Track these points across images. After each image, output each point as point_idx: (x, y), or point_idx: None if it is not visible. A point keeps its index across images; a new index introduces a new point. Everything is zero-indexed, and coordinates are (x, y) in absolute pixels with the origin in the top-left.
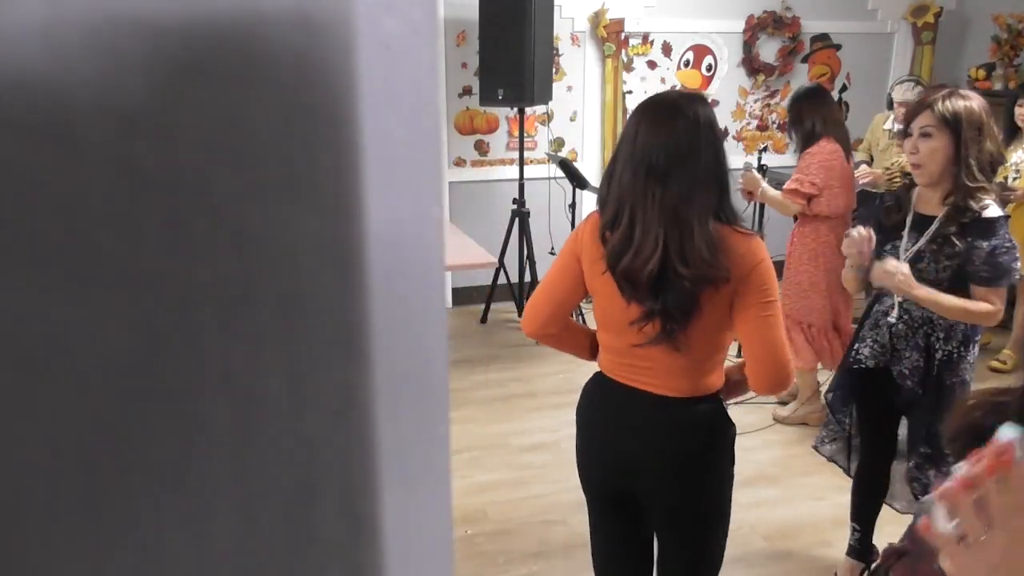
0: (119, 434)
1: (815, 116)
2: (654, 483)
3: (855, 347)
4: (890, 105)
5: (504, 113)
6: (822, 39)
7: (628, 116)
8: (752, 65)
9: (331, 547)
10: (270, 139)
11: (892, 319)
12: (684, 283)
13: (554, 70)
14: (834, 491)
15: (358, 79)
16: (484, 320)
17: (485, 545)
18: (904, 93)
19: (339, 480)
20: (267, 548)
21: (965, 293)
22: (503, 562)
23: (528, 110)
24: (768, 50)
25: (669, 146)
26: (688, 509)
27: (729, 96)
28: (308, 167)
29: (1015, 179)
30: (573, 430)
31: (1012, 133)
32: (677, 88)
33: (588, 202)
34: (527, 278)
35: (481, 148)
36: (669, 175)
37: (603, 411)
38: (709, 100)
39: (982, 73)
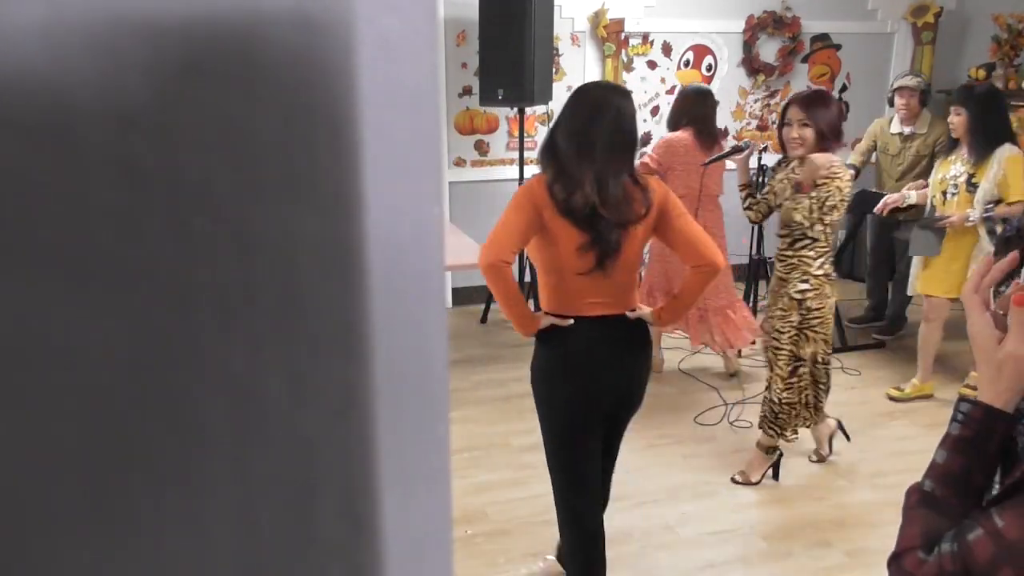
0: (119, 434)
1: (688, 112)
2: (633, 385)
3: None
4: (891, 102)
5: (504, 113)
6: (822, 39)
7: (567, 101)
8: (752, 65)
9: (331, 547)
10: (270, 139)
11: None
12: (610, 223)
13: (554, 70)
14: (834, 491)
15: (358, 79)
16: (484, 320)
17: (485, 545)
18: (904, 80)
19: (339, 480)
20: (267, 548)
21: None
22: (503, 562)
23: (528, 110)
24: (768, 50)
25: (593, 127)
26: (636, 403)
27: (729, 96)
28: (308, 167)
29: (953, 195)
30: None
31: (956, 142)
32: (609, 85)
33: None
34: (527, 278)
35: (481, 148)
36: (595, 146)
37: (586, 345)
38: (631, 95)
39: (982, 73)
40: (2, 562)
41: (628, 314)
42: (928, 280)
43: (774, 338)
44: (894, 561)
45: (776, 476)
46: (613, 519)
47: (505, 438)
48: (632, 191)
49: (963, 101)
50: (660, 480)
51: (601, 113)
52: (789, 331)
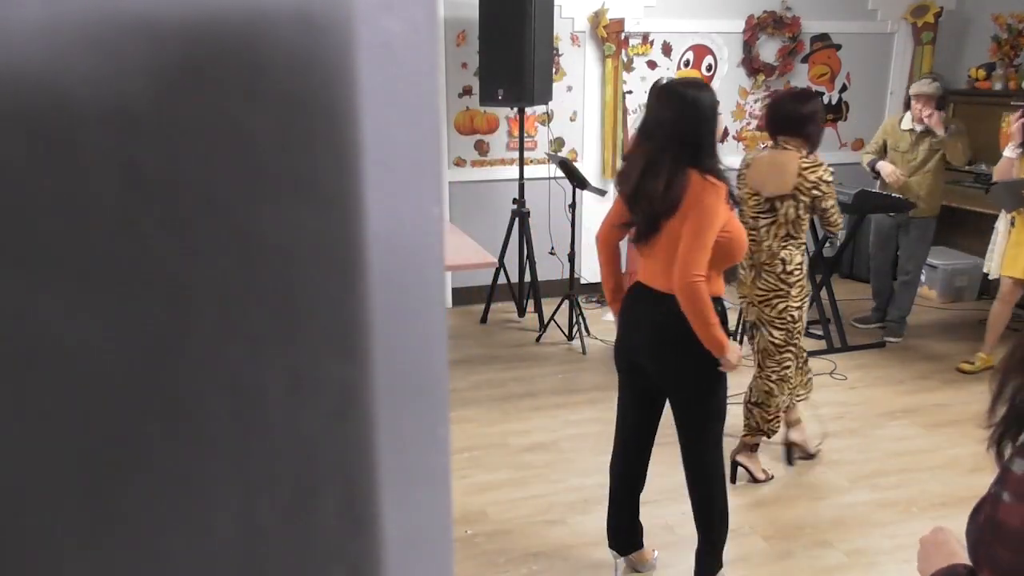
0: (119, 434)
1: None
2: (647, 352)
3: None
4: (907, 105)
5: (504, 113)
6: (822, 39)
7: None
8: (752, 65)
9: (331, 547)
10: (270, 139)
11: None
12: (648, 208)
13: (554, 70)
14: (834, 491)
15: (358, 79)
16: (484, 320)
17: (485, 545)
18: (922, 87)
19: (339, 480)
20: (267, 548)
21: None
22: (503, 562)
23: (528, 110)
24: (768, 50)
25: (651, 118)
26: (673, 378)
27: (729, 96)
28: (308, 167)
29: None
30: (573, 430)
31: None
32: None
33: (588, 202)
34: (527, 278)
35: (481, 148)
36: (650, 136)
37: (626, 302)
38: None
39: (982, 73)
40: (3, 562)
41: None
42: (1020, 264)
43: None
44: None
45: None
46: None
47: (505, 438)
48: (671, 187)
49: None
50: (660, 480)
51: (658, 112)
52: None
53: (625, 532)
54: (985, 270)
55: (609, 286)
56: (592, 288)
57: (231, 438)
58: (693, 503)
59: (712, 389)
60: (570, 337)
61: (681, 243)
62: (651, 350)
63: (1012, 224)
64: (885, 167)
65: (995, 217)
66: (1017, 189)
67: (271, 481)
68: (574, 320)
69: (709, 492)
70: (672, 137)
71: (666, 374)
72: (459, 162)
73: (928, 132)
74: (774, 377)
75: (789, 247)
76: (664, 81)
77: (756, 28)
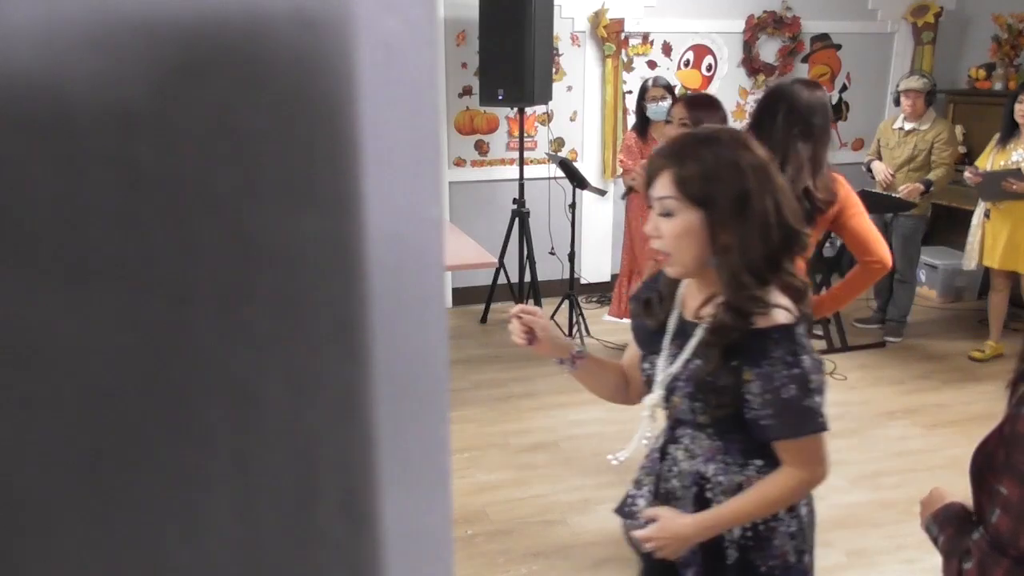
0: (119, 434)
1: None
2: None
3: (630, 494)
4: (897, 102)
5: (504, 113)
6: (822, 39)
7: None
8: (752, 65)
9: (331, 547)
10: (270, 139)
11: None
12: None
13: (554, 70)
14: (834, 491)
15: (358, 79)
16: (484, 320)
17: (485, 545)
18: (910, 83)
19: (339, 479)
20: (267, 549)
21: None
22: (503, 562)
23: (528, 110)
24: (768, 50)
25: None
26: None
27: (729, 96)
28: (308, 167)
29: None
30: (573, 430)
31: (1011, 130)
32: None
33: (588, 202)
34: (527, 278)
35: (481, 148)
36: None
37: None
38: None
39: (982, 73)
40: (3, 561)
41: None
42: (999, 255)
43: None
44: None
45: None
46: (613, 519)
47: (504, 438)
48: (824, 185)
49: None
50: None
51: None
52: None
53: None
54: (964, 266)
55: None
56: (592, 288)
57: (231, 437)
58: None
59: None
60: (570, 337)
61: (861, 232)
62: None
63: (987, 216)
64: (877, 166)
65: None
66: (998, 180)
67: (271, 481)
68: (574, 320)
69: None
70: (806, 137)
71: None
72: (459, 162)
73: (914, 131)
74: None
75: None
76: (781, 83)
77: (756, 28)
